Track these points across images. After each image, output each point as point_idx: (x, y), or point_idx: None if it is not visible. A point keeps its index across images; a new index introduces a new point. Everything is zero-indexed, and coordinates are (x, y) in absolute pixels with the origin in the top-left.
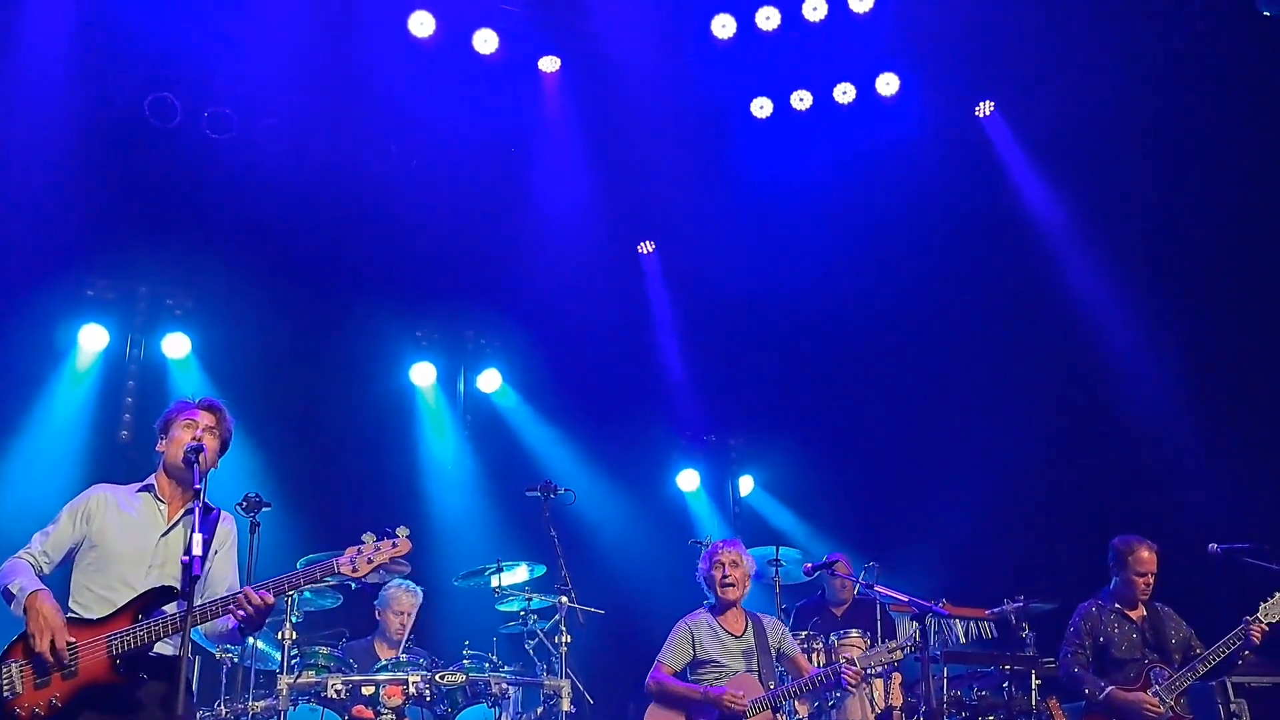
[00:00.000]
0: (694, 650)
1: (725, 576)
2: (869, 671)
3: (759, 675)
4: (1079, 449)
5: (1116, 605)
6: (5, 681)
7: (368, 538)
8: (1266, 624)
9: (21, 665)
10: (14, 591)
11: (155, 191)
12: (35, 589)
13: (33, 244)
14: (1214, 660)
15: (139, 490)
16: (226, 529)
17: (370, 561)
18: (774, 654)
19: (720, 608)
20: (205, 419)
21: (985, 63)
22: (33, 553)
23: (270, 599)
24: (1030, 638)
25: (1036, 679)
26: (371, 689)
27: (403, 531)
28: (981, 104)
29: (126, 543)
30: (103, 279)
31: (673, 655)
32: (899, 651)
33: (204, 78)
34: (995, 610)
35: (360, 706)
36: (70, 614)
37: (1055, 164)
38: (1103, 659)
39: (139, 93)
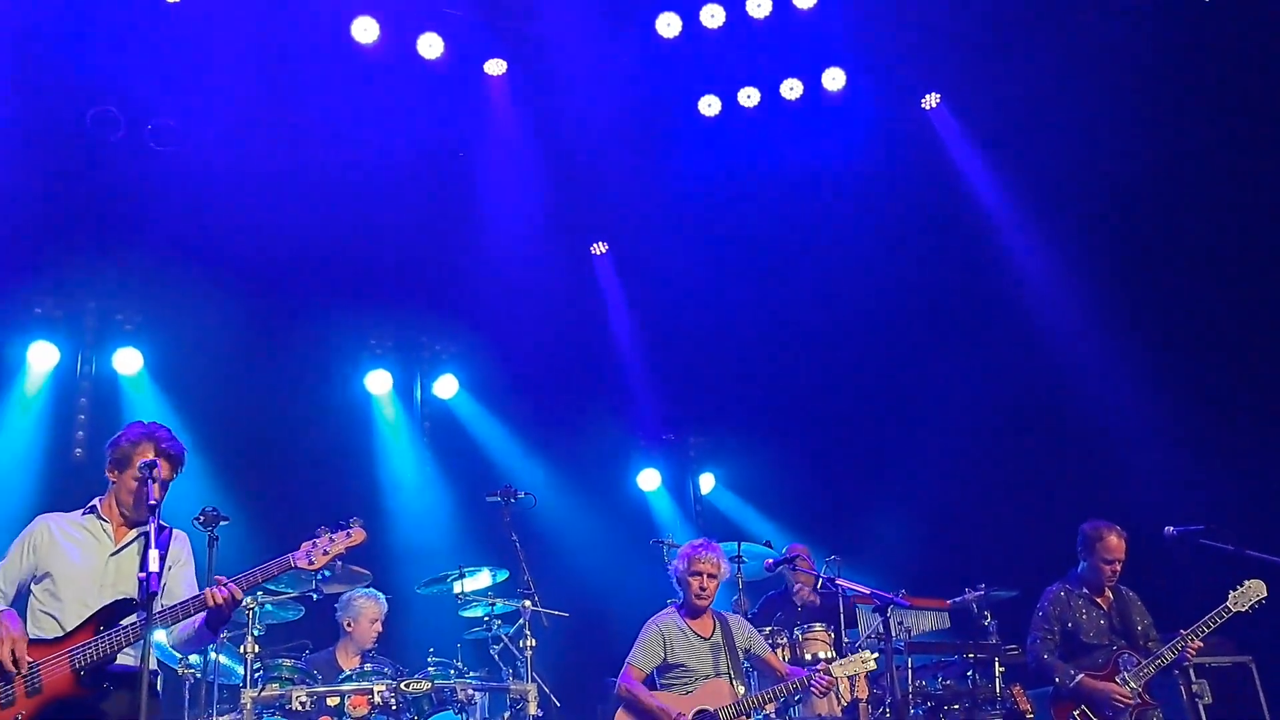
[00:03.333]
0: (664, 653)
1: (703, 588)
2: (840, 679)
3: (729, 678)
4: (1035, 436)
5: (1084, 590)
6: None
7: (322, 530)
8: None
9: None
10: None
11: (101, 205)
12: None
13: None
14: (1163, 663)
15: (84, 514)
16: (179, 546)
17: (326, 553)
18: (742, 654)
19: (690, 609)
20: (164, 469)
21: (931, 55)
22: None
23: (238, 592)
24: (993, 626)
25: (1000, 666)
26: (336, 700)
27: (356, 522)
28: (928, 96)
29: (76, 566)
30: (50, 296)
31: (643, 657)
32: (873, 662)
33: (147, 89)
34: (956, 600)
35: (326, 718)
36: (34, 637)
37: (1002, 154)
38: (1071, 644)
39: (81, 106)
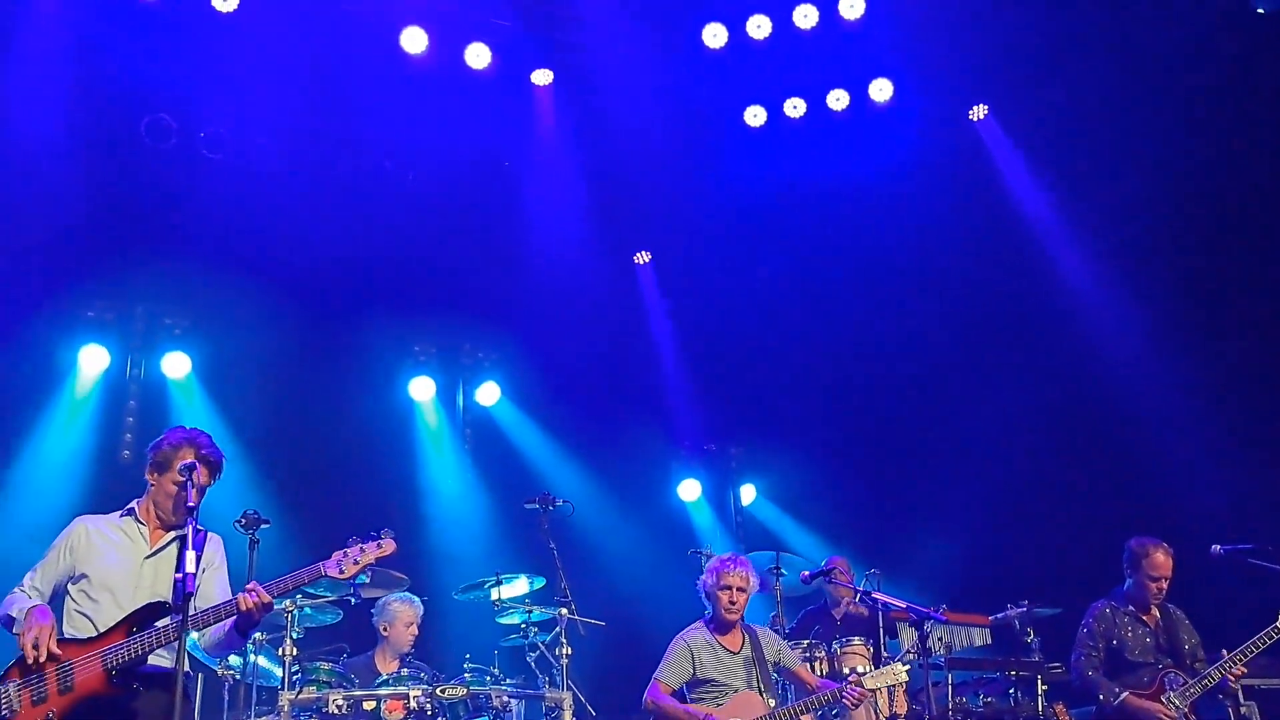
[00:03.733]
0: (693, 669)
1: (732, 601)
2: (874, 691)
3: (759, 691)
4: (1081, 451)
5: (1130, 607)
6: (4, 701)
7: (353, 541)
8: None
9: (18, 685)
10: (15, 615)
11: (152, 211)
12: (32, 605)
13: (32, 266)
14: (1208, 685)
15: (122, 516)
16: (213, 550)
17: (356, 563)
18: (771, 667)
19: (719, 624)
20: (202, 475)
21: (978, 66)
22: (24, 588)
23: (266, 597)
24: (1035, 643)
25: (1043, 684)
26: (373, 704)
27: (387, 533)
28: (975, 108)
29: (111, 568)
30: (101, 299)
31: (671, 673)
32: (904, 674)
33: (199, 98)
34: (997, 616)
35: None
36: (68, 637)
37: (1051, 166)
38: (1115, 662)
39: (135, 115)
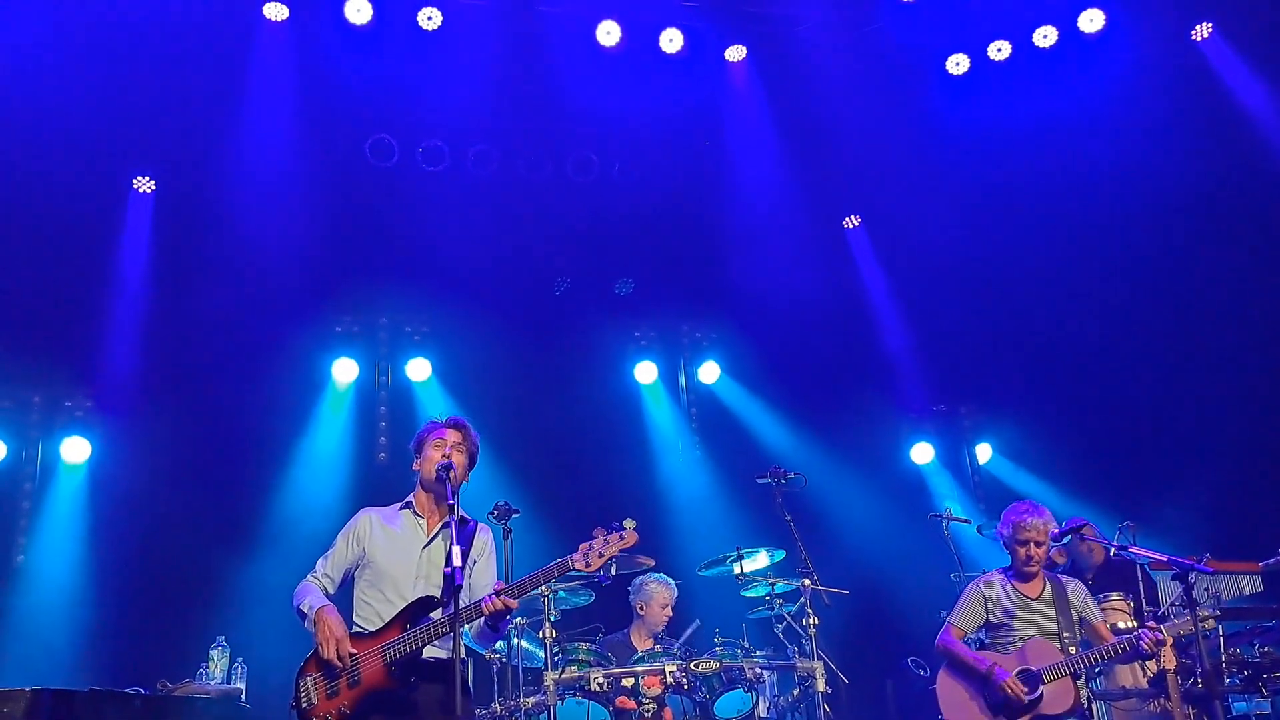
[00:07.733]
0: (986, 612)
1: (1030, 555)
2: (1179, 636)
3: (1059, 639)
4: None
5: None
6: (303, 694)
7: (598, 532)
8: None
9: (315, 678)
10: (304, 611)
11: (384, 227)
12: (321, 605)
13: (283, 287)
14: None
15: (400, 509)
16: (484, 539)
17: (601, 555)
18: (1076, 617)
19: (1018, 574)
20: (452, 436)
21: None
22: (317, 575)
23: (509, 602)
24: None
25: None
26: (631, 680)
27: (629, 524)
28: (1198, 27)
29: (394, 558)
30: (348, 314)
31: (963, 617)
32: (1210, 620)
33: (414, 116)
34: (1269, 562)
35: (623, 698)
36: (355, 628)
37: None
38: None
39: (359, 137)
